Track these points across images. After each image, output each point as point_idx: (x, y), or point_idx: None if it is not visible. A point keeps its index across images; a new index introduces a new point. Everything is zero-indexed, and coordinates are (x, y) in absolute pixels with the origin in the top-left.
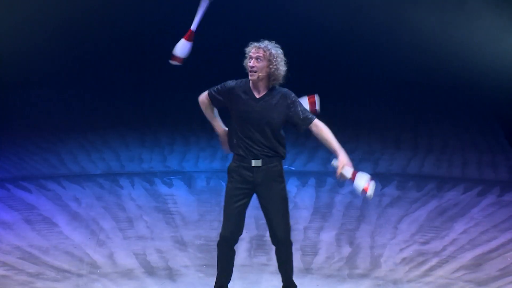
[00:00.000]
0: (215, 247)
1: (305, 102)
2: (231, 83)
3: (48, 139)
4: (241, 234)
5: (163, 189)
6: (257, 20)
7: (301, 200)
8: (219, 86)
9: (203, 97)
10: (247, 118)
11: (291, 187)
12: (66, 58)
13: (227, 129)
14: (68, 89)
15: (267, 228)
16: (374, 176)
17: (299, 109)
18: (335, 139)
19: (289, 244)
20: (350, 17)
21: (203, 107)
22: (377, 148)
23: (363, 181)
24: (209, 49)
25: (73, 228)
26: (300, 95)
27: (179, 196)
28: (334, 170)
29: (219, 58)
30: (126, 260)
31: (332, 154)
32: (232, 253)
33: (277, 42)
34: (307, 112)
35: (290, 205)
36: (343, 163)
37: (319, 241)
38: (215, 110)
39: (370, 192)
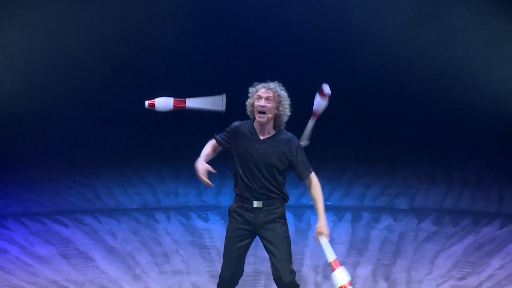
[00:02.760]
0: (251, 281)
1: (317, 98)
2: (236, 123)
3: (84, 174)
4: (241, 275)
5: (199, 223)
6: (300, 55)
7: (337, 235)
8: (225, 130)
9: (211, 142)
10: (249, 159)
11: (327, 221)
12: (102, 92)
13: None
14: (104, 124)
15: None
16: (410, 212)
17: (302, 158)
18: (322, 201)
19: (295, 287)
20: (382, 54)
21: (208, 148)
22: (413, 183)
23: (343, 280)
24: (244, 82)
25: (109, 262)
26: (333, 122)
27: (215, 231)
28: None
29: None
30: None
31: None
32: None
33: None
34: (307, 164)
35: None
36: (320, 228)
37: (355, 276)
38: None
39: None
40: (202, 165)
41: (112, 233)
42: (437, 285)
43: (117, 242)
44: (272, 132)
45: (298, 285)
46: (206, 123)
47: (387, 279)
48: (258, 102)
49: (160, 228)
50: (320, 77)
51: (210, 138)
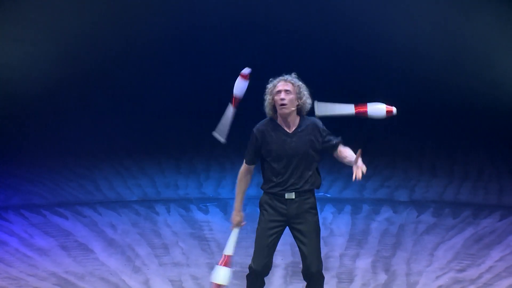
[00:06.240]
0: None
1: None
2: (257, 128)
3: (84, 166)
4: (271, 267)
5: (199, 215)
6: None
7: (336, 227)
8: (250, 144)
9: (242, 167)
10: (283, 155)
11: (327, 214)
12: (102, 85)
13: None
14: (104, 116)
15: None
16: (409, 204)
17: (329, 136)
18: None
19: (322, 278)
20: (392, 49)
21: (241, 177)
22: (413, 175)
23: (382, 106)
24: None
25: (108, 254)
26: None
27: (214, 223)
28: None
29: (257, 86)
30: (161, 287)
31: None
32: (263, 284)
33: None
34: (333, 137)
35: (326, 232)
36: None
37: (355, 268)
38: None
39: (395, 110)
40: (237, 219)
41: (112, 225)
42: (437, 277)
43: (117, 234)
44: (298, 123)
45: (324, 277)
46: (206, 115)
47: (386, 271)
48: (278, 96)
49: (160, 220)
50: (323, 70)
51: (210, 130)
